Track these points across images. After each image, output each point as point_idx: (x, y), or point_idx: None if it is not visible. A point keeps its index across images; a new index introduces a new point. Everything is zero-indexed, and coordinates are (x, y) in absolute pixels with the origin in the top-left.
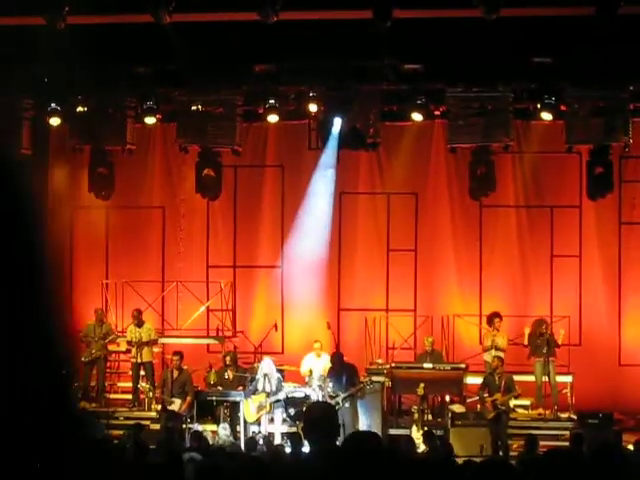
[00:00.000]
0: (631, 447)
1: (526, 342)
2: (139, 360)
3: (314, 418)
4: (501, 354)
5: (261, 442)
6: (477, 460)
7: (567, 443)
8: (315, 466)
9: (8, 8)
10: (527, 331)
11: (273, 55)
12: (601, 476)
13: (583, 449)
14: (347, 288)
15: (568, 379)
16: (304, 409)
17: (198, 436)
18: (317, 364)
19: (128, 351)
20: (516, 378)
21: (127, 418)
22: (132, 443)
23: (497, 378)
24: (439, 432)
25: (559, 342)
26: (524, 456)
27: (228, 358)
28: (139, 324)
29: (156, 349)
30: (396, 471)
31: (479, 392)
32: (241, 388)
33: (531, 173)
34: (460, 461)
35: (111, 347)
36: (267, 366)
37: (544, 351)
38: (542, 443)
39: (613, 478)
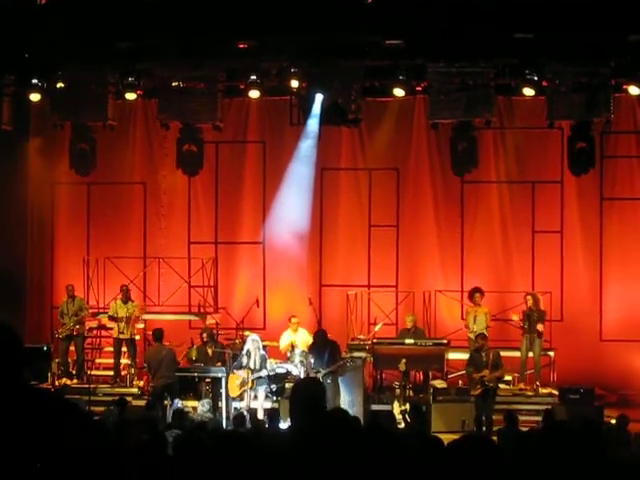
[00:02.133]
0: (614, 422)
1: (519, 318)
2: (122, 336)
3: (300, 393)
4: (484, 331)
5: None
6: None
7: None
8: (295, 442)
9: None
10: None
11: (254, 31)
12: (581, 451)
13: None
14: (329, 264)
15: (550, 354)
16: (287, 385)
17: (180, 413)
18: (294, 339)
19: (101, 327)
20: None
21: (108, 394)
22: (116, 418)
23: (483, 355)
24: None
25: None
26: (503, 432)
27: (205, 335)
28: (125, 300)
29: (139, 325)
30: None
31: (466, 368)
32: (220, 364)
33: (513, 149)
34: (441, 436)
35: (91, 323)
36: (251, 343)
37: (525, 326)
38: (524, 418)
39: (592, 453)
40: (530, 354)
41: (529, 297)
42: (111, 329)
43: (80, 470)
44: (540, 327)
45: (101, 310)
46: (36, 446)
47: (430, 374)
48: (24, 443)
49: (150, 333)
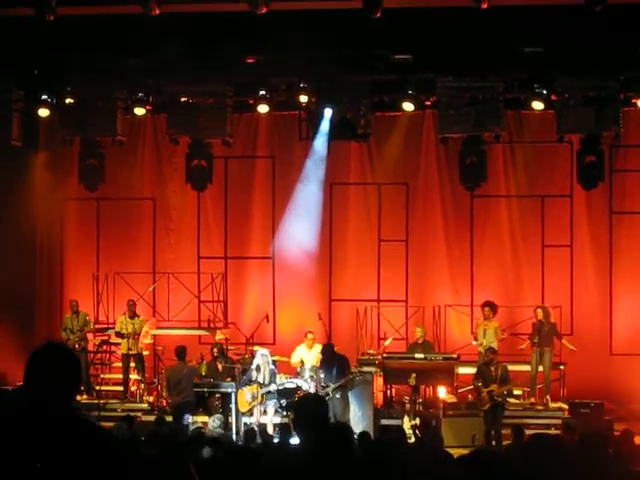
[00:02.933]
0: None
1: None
2: (130, 352)
3: (304, 410)
4: (494, 345)
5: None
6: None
7: (559, 432)
8: (303, 457)
9: None
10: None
11: (263, 46)
12: (585, 462)
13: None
14: (338, 279)
15: (560, 368)
16: (295, 400)
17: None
18: (309, 355)
19: (103, 343)
20: (509, 368)
21: (118, 410)
22: (126, 433)
23: (492, 369)
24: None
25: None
26: (510, 446)
27: (216, 350)
28: (132, 316)
29: (147, 341)
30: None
31: (474, 382)
32: (230, 379)
33: (522, 163)
34: (452, 451)
35: (100, 339)
36: (261, 358)
37: (535, 341)
38: (534, 432)
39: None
40: (540, 368)
41: (539, 310)
42: (118, 344)
43: None
44: (558, 340)
45: (110, 325)
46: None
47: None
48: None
49: (160, 348)
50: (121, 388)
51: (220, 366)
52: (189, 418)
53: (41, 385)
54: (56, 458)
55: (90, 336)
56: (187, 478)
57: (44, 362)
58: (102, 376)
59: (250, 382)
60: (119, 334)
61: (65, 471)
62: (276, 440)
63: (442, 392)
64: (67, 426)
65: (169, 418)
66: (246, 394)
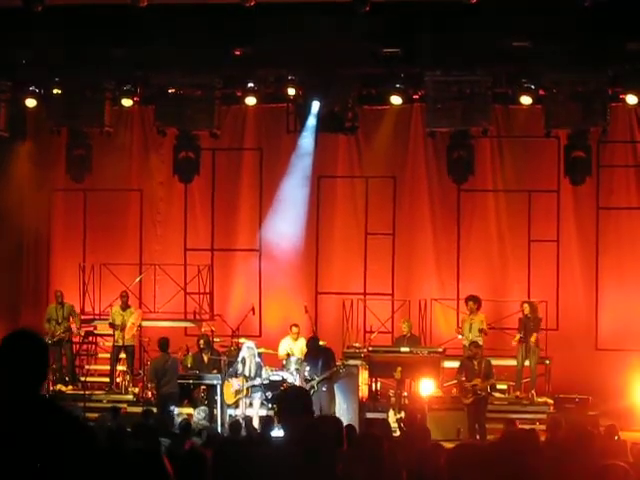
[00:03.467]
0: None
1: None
2: (121, 343)
3: (287, 402)
4: (478, 339)
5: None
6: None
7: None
8: (288, 449)
9: None
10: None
11: (252, 38)
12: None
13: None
14: (325, 272)
15: (545, 363)
16: (278, 394)
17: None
18: (294, 348)
19: (88, 334)
20: (495, 362)
21: (104, 401)
22: (107, 428)
23: (476, 363)
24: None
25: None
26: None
27: (202, 341)
28: (124, 307)
29: (132, 332)
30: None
31: (456, 376)
32: (215, 371)
33: (510, 157)
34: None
35: (86, 329)
36: (247, 350)
37: (520, 335)
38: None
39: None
40: (526, 362)
41: (526, 305)
42: (107, 335)
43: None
44: (533, 337)
45: (96, 317)
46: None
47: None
48: (33, 452)
49: (145, 340)
50: (107, 379)
51: (206, 358)
52: (175, 410)
53: (8, 370)
54: (24, 442)
55: (74, 327)
56: (160, 470)
57: (11, 348)
58: (87, 367)
59: (236, 374)
60: (112, 325)
61: (33, 454)
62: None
63: (426, 387)
64: (35, 411)
65: (154, 409)
66: (232, 386)
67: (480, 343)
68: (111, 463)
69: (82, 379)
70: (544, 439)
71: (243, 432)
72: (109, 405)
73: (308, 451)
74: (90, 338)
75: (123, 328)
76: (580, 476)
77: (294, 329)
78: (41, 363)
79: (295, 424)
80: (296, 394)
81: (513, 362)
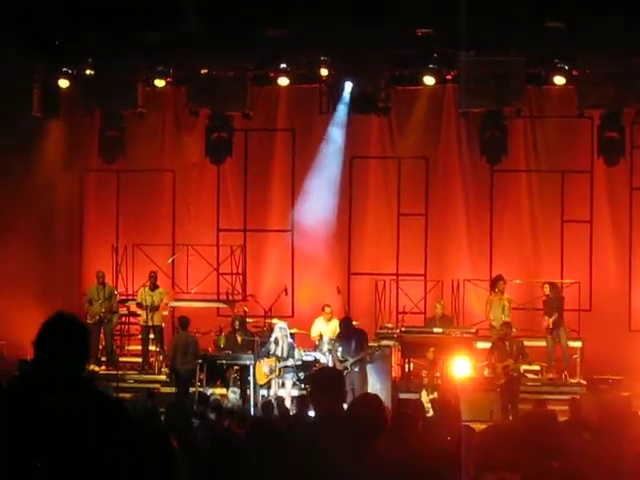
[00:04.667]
0: None
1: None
2: (149, 323)
3: (321, 383)
4: (508, 319)
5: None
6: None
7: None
8: (320, 430)
9: None
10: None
11: (284, 19)
12: None
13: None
14: (357, 252)
15: (578, 344)
16: (311, 375)
17: (205, 399)
18: (326, 328)
19: (131, 314)
20: (527, 343)
21: (137, 381)
22: (141, 408)
23: (508, 344)
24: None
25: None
26: None
27: (237, 322)
28: (153, 287)
29: (165, 312)
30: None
31: (488, 357)
32: (250, 352)
33: (543, 138)
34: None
35: (120, 310)
36: (279, 331)
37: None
38: (552, 408)
39: None
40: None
41: (546, 285)
42: (139, 316)
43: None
44: (554, 317)
45: (130, 297)
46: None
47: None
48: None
49: (177, 320)
50: (140, 359)
51: (240, 339)
52: (208, 390)
53: (50, 354)
54: (66, 425)
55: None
56: (165, 446)
57: (53, 332)
58: (126, 347)
59: (268, 355)
60: (140, 305)
61: (75, 436)
62: (293, 413)
63: (460, 367)
64: (77, 393)
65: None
66: (264, 366)
67: (509, 322)
68: (147, 442)
69: (116, 359)
70: (566, 419)
71: (275, 412)
72: (142, 386)
73: (353, 429)
74: (123, 319)
75: (152, 309)
76: (617, 458)
77: (327, 309)
78: (82, 346)
79: (329, 404)
80: (329, 375)
81: (543, 343)
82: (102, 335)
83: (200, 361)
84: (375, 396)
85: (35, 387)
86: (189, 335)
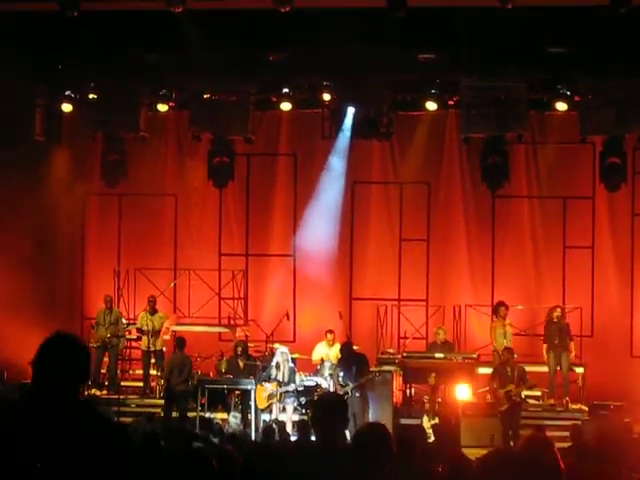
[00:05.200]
0: None
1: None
2: (151, 348)
3: (324, 408)
4: (510, 344)
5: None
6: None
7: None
8: (323, 456)
9: None
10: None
11: (287, 44)
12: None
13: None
14: (359, 277)
15: (580, 370)
16: (314, 399)
17: (208, 424)
18: (329, 353)
19: (138, 338)
20: (528, 369)
21: (138, 405)
22: (141, 433)
23: (509, 369)
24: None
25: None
26: None
27: (239, 348)
28: (152, 312)
29: (167, 337)
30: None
31: (489, 383)
32: (252, 377)
33: (545, 164)
34: (471, 451)
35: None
36: (280, 355)
37: (556, 342)
38: (553, 434)
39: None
40: (558, 368)
41: (558, 309)
42: (139, 340)
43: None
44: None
45: (131, 322)
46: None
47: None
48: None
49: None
50: (141, 384)
51: (242, 364)
52: (208, 415)
53: (48, 374)
54: (63, 445)
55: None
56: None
57: (51, 352)
58: (130, 372)
59: (269, 379)
60: (140, 330)
61: (72, 457)
62: (294, 438)
63: (462, 392)
64: (75, 413)
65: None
66: (263, 392)
67: (512, 349)
68: (147, 464)
69: (118, 383)
70: (568, 446)
71: (277, 437)
72: (142, 410)
73: (359, 458)
74: (127, 343)
75: (153, 333)
76: None
77: (329, 335)
78: (79, 366)
79: (330, 430)
80: (331, 400)
81: (545, 369)
82: (106, 359)
83: (196, 383)
84: (382, 426)
85: (33, 406)
86: (185, 356)
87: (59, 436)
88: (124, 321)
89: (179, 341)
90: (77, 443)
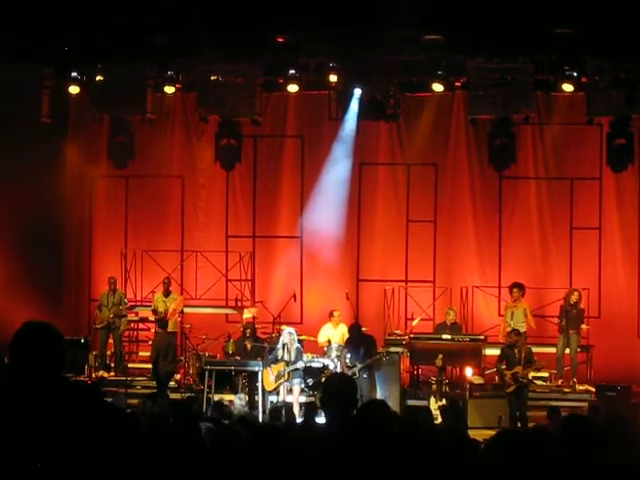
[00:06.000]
0: None
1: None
2: None
3: (333, 389)
4: (521, 327)
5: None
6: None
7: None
8: (331, 435)
9: None
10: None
11: (293, 25)
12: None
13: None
14: (366, 259)
15: (587, 351)
16: (323, 380)
17: (219, 406)
18: (334, 334)
19: (144, 319)
20: (536, 350)
21: (145, 387)
22: (148, 413)
23: (516, 351)
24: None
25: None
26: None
27: (248, 330)
28: (166, 293)
29: (177, 319)
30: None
31: (497, 365)
32: (259, 359)
33: (551, 145)
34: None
35: (131, 316)
36: (287, 336)
37: (563, 323)
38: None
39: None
40: (567, 350)
41: (576, 293)
42: (149, 322)
43: (110, 462)
44: (583, 326)
45: (138, 303)
46: (66, 439)
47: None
48: (56, 435)
49: (187, 327)
50: (149, 366)
51: (249, 345)
52: (215, 397)
53: (24, 362)
54: (48, 430)
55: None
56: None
57: (23, 341)
58: (138, 353)
59: (276, 360)
60: (155, 312)
61: (45, 441)
62: (300, 419)
63: (469, 372)
64: (57, 397)
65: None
66: (270, 374)
67: (522, 330)
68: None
69: (125, 365)
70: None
71: (283, 419)
72: (150, 392)
73: (358, 436)
74: (132, 325)
75: (165, 314)
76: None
77: (335, 314)
78: (50, 354)
79: (340, 412)
80: (341, 381)
81: (553, 350)
82: (111, 341)
83: (208, 367)
84: (382, 402)
85: (10, 395)
86: (170, 334)
87: (35, 424)
88: (126, 301)
89: (161, 321)
90: (54, 430)
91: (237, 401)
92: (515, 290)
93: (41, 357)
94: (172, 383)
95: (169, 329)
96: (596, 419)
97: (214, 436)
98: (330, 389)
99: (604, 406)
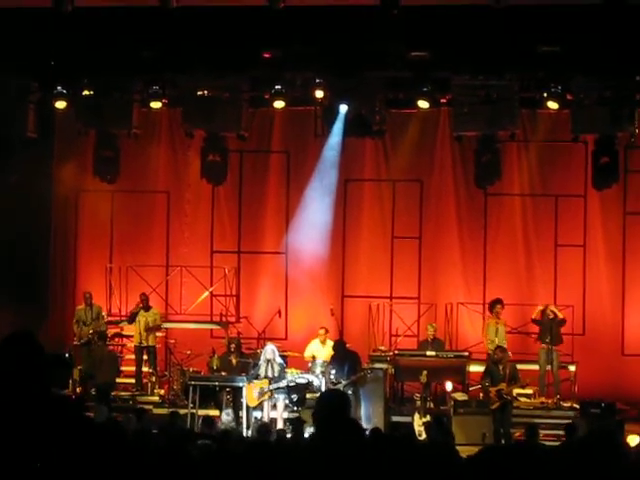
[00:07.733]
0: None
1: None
2: (144, 344)
3: (325, 405)
4: (504, 343)
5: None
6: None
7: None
8: (319, 449)
9: None
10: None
11: (280, 41)
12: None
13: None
14: (351, 275)
15: (571, 368)
16: (316, 396)
17: (210, 422)
18: (321, 351)
19: (124, 335)
20: (519, 366)
21: (130, 402)
22: (133, 428)
23: (501, 368)
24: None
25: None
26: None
27: (233, 345)
28: (146, 308)
29: (159, 334)
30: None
31: (481, 381)
32: (244, 374)
33: (537, 162)
34: (463, 449)
35: (113, 331)
36: (270, 352)
37: (547, 340)
38: (545, 432)
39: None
40: (548, 367)
41: (553, 308)
42: (131, 337)
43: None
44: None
45: (123, 318)
46: (45, 449)
47: (451, 386)
48: (36, 446)
49: (171, 342)
50: (132, 380)
51: (234, 361)
52: (199, 412)
53: (8, 373)
54: (30, 440)
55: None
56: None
57: (6, 352)
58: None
59: (258, 377)
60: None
61: (29, 451)
62: (289, 435)
63: (449, 386)
64: (39, 408)
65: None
66: (254, 390)
67: (505, 347)
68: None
69: None
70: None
71: (273, 435)
72: (134, 407)
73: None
74: (116, 340)
75: (147, 329)
76: None
77: (321, 332)
78: (33, 365)
79: (332, 427)
80: (335, 397)
81: (537, 367)
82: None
83: (192, 382)
84: (353, 421)
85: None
86: (106, 349)
87: (17, 435)
88: (104, 314)
89: (100, 334)
90: (36, 440)
91: (225, 417)
92: (498, 306)
93: (21, 366)
94: (156, 398)
95: (150, 343)
96: (574, 436)
97: (211, 452)
98: (324, 405)
99: (585, 423)
